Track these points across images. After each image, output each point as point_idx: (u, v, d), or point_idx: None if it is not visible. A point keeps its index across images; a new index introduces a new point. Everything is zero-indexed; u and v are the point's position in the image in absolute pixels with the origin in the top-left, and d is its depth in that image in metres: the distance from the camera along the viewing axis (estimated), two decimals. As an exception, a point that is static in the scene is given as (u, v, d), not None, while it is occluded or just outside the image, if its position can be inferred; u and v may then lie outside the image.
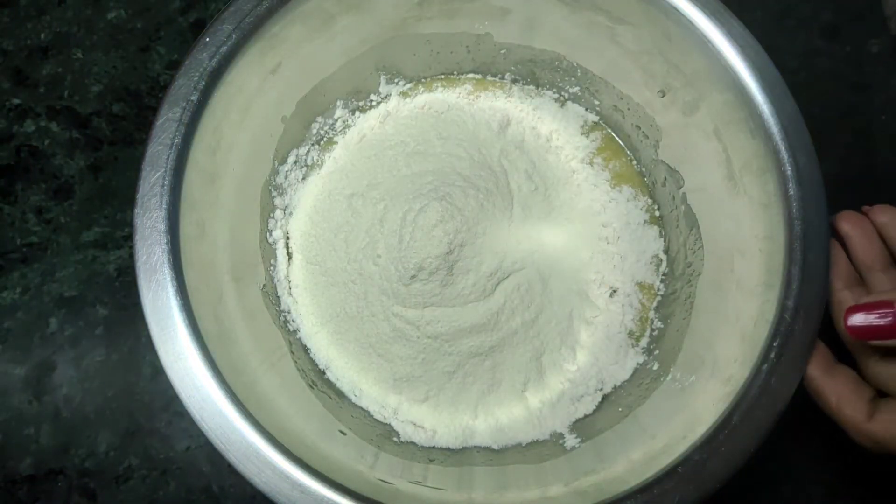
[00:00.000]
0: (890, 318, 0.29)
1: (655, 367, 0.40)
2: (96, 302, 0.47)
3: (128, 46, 0.52)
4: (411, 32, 0.43)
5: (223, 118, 0.37)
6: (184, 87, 0.34)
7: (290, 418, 0.34)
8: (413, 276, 0.39)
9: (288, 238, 0.43)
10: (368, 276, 0.40)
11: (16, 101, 0.51)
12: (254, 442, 0.30)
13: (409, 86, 0.46)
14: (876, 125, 0.49)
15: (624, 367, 0.41)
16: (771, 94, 0.33)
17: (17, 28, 0.52)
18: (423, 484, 0.34)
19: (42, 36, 0.52)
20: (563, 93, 0.46)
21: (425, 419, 0.40)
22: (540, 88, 0.46)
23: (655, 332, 0.41)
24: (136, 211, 0.33)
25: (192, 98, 0.34)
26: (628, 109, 0.43)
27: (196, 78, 0.34)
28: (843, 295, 0.32)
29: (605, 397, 0.40)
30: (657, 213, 0.44)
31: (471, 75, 0.47)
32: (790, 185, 0.32)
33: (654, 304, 0.42)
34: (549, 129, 0.45)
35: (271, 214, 0.43)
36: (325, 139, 0.45)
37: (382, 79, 0.45)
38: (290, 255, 0.43)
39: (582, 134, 0.45)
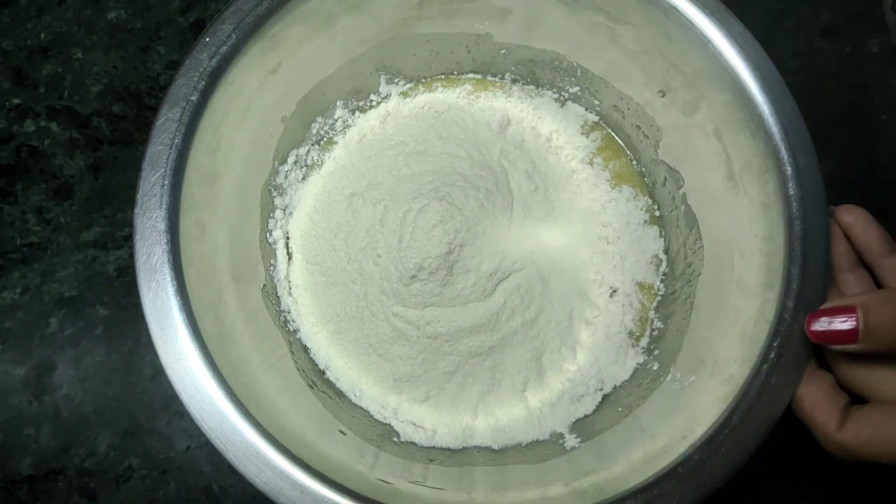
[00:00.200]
0: (852, 324, 0.28)
1: (655, 367, 0.40)
2: (96, 302, 0.47)
3: (128, 46, 0.52)
4: (411, 32, 0.43)
5: (223, 118, 0.37)
6: (184, 87, 0.34)
7: (290, 418, 0.34)
8: (413, 276, 0.39)
9: (288, 238, 0.43)
10: (368, 276, 0.40)
11: (16, 101, 0.51)
12: (254, 442, 0.30)
13: (409, 86, 0.46)
14: (876, 125, 0.49)
15: (624, 367, 0.41)
16: (771, 94, 0.33)
17: (17, 28, 0.52)
18: (423, 484, 0.34)
19: (42, 36, 0.52)
20: (563, 93, 0.46)
21: (425, 419, 0.40)
22: (540, 88, 0.46)
23: (655, 332, 0.41)
24: (136, 211, 0.33)
25: (192, 98, 0.34)
26: (628, 109, 0.43)
27: (196, 78, 0.34)
28: None
29: (605, 397, 0.40)
30: (657, 213, 0.44)
31: (471, 75, 0.47)
32: (790, 185, 0.32)
33: (654, 304, 0.42)
34: (549, 129, 0.45)
35: (271, 214, 0.43)
36: (325, 139, 0.45)
37: (382, 79, 0.45)
38: (290, 255, 0.43)
39: (582, 134, 0.45)
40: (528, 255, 0.41)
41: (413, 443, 0.39)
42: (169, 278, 0.32)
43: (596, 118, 0.46)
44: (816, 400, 0.30)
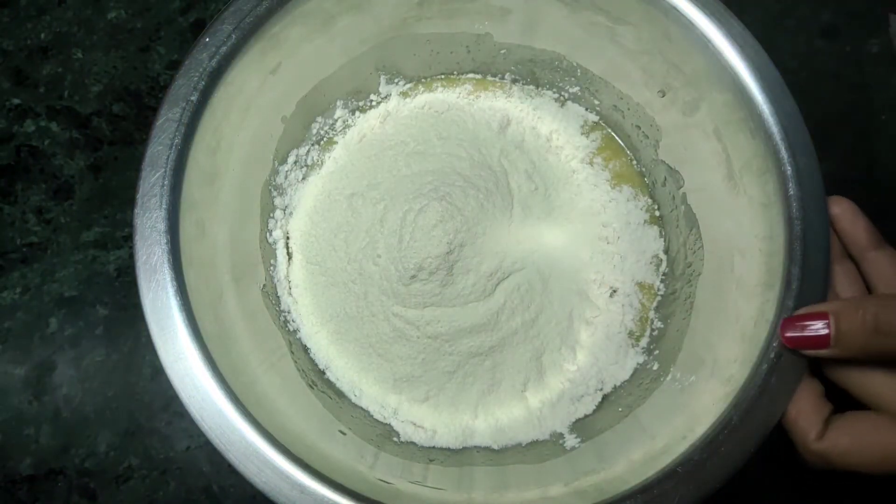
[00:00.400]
0: (824, 330, 0.29)
1: (655, 367, 0.40)
2: (96, 302, 0.47)
3: (128, 46, 0.52)
4: (411, 32, 0.43)
5: (223, 118, 0.37)
6: (184, 87, 0.34)
7: (290, 418, 0.34)
8: (413, 276, 0.39)
9: (288, 238, 0.43)
10: (368, 276, 0.40)
11: (16, 101, 0.51)
12: (254, 442, 0.30)
13: (409, 86, 0.46)
14: (876, 125, 0.49)
15: (624, 367, 0.41)
16: (771, 94, 0.33)
17: (17, 28, 0.52)
18: (423, 484, 0.34)
19: (42, 36, 0.52)
20: (563, 93, 0.46)
21: (425, 419, 0.40)
22: (540, 88, 0.46)
23: (655, 332, 0.41)
24: (136, 211, 0.33)
25: (192, 98, 0.34)
26: (628, 109, 0.43)
27: (196, 78, 0.34)
28: None
29: (605, 397, 0.40)
30: (657, 213, 0.44)
31: (471, 75, 0.47)
32: (790, 185, 0.32)
33: (654, 304, 0.42)
34: (549, 129, 0.45)
35: (271, 214, 0.43)
36: (325, 139, 0.45)
37: (382, 79, 0.45)
38: (290, 255, 0.43)
39: (582, 134, 0.45)
40: (528, 255, 0.41)
41: (413, 443, 0.39)
42: (169, 278, 0.32)
43: (596, 118, 0.46)
44: (801, 407, 0.30)
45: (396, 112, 0.46)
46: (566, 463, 0.37)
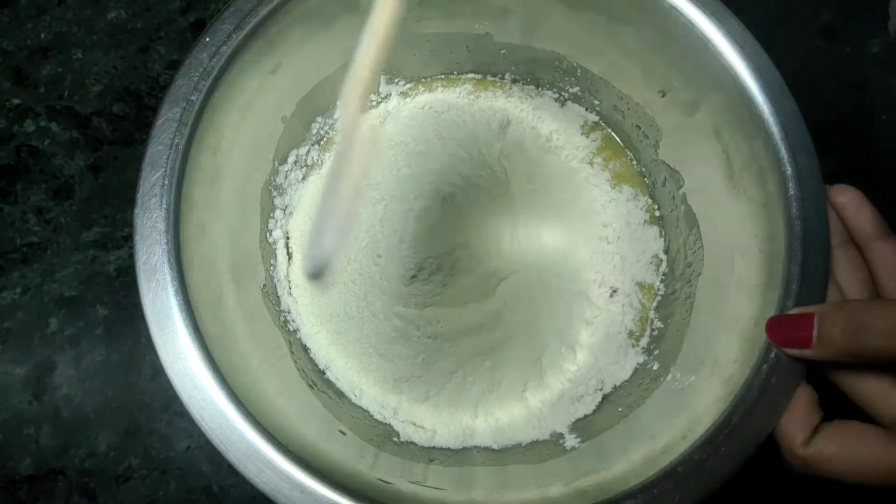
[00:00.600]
0: (807, 331, 0.29)
1: (655, 367, 0.40)
2: (96, 302, 0.47)
3: (128, 46, 0.52)
4: (411, 32, 0.43)
5: (223, 118, 0.37)
6: (184, 87, 0.34)
7: (290, 418, 0.34)
8: (413, 276, 0.39)
9: (288, 238, 0.43)
10: (369, 276, 0.41)
11: (16, 101, 0.51)
12: (254, 442, 0.30)
13: (409, 86, 0.46)
14: (876, 125, 0.49)
15: (624, 367, 0.41)
16: (771, 94, 0.33)
17: (17, 28, 0.52)
18: (423, 484, 0.34)
19: (42, 36, 0.52)
20: (563, 93, 0.46)
21: (425, 419, 0.40)
22: (540, 88, 0.46)
23: (655, 332, 0.41)
24: (136, 211, 0.33)
25: (192, 98, 0.34)
26: (628, 109, 0.43)
27: (196, 78, 0.34)
28: None
29: (605, 397, 0.40)
30: (657, 213, 0.44)
31: (471, 75, 0.47)
32: (790, 185, 0.32)
33: (654, 304, 0.42)
34: (550, 129, 0.45)
35: (271, 214, 0.43)
36: (325, 139, 0.45)
37: (382, 79, 0.45)
38: (290, 255, 0.43)
39: (582, 134, 0.45)
40: (528, 255, 0.41)
41: (413, 443, 0.39)
42: (169, 278, 0.32)
43: (596, 118, 0.46)
44: (793, 412, 0.30)
45: (396, 112, 0.46)
46: (566, 463, 0.37)
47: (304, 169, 0.44)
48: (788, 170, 0.32)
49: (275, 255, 0.42)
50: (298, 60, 0.40)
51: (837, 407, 0.30)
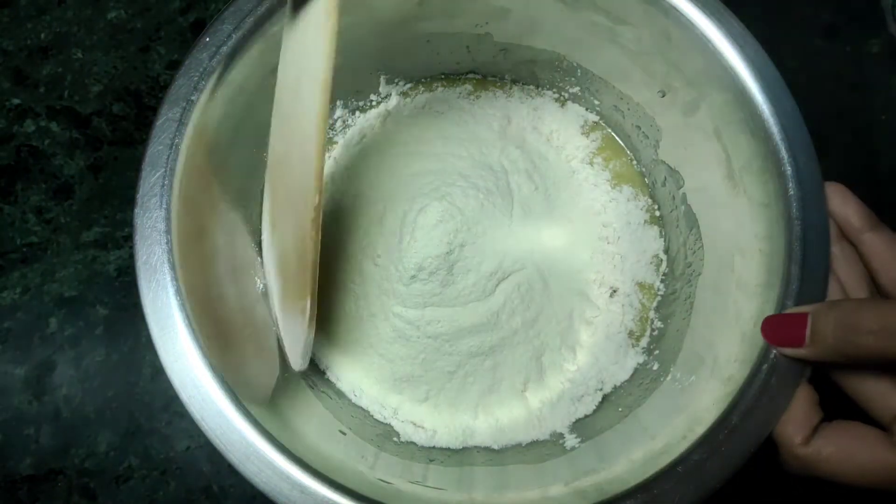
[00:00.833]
0: (801, 330, 0.29)
1: (655, 367, 0.40)
2: (96, 302, 0.47)
3: (128, 46, 0.52)
4: (411, 32, 0.43)
5: (223, 118, 0.37)
6: (184, 87, 0.34)
7: (290, 418, 0.34)
8: (413, 277, 0.39)
9: (288, 238, 0.43)
10: (368, 276, 0.40)
11: (16, 101, 0.51)
12: (254, 442, 0.30)
13: (409, 86, 0.46)
14: (876, 125, 0.49)
15: (624, 367, 0.41)
16: (771, 94, 0.33)
17: (17, 28, 0.52)
18: (423, 484, 0.34)
19: (42, 36, 0.52)
20: (563, 93, 0.46)
21: (425, 419, 0.40)
22: (540, 88, 0.46)
23: (655, 332, 0.41)
24: (136, 211, 0.33)
25: (192, 98, 0.34)
26: (628, 109, 0.43)
27: (196, 78, 0.34)
28: None
29: (605, 397, 0.40)
30: (657, 213, 0.44)
31: (471, 75, 0.47)
32: (790, 185, 0.32)
33: (654, 304, 0.42)
34: (550, 129, 0.45)
35: (271, 214, 0.43)
36: (324, 139, 0.45)
37: (382, 79, 0.45)
38: (290, 255, 0.43)
39: (582, 134, 0.45)
40: (528, 255, 0.41)
41: (413, 443, 0.39)
42: (169, 278, 0.32)
43: (596, 118, 0.46)
44: (793, 412, 0.30)
45: (396, 112, 0.46)
46: (566, 463, 0.37)
47: (304, 169, 0.44)
48: (788, 170, 0.32)
49: (275, 255, 0.42)
50: (298, 60, 0.40)
51: (840, 408, 0.30)
